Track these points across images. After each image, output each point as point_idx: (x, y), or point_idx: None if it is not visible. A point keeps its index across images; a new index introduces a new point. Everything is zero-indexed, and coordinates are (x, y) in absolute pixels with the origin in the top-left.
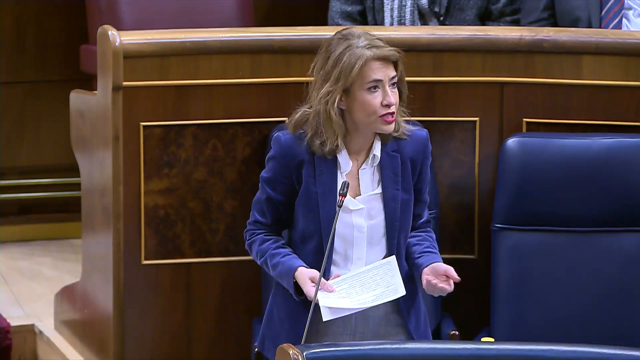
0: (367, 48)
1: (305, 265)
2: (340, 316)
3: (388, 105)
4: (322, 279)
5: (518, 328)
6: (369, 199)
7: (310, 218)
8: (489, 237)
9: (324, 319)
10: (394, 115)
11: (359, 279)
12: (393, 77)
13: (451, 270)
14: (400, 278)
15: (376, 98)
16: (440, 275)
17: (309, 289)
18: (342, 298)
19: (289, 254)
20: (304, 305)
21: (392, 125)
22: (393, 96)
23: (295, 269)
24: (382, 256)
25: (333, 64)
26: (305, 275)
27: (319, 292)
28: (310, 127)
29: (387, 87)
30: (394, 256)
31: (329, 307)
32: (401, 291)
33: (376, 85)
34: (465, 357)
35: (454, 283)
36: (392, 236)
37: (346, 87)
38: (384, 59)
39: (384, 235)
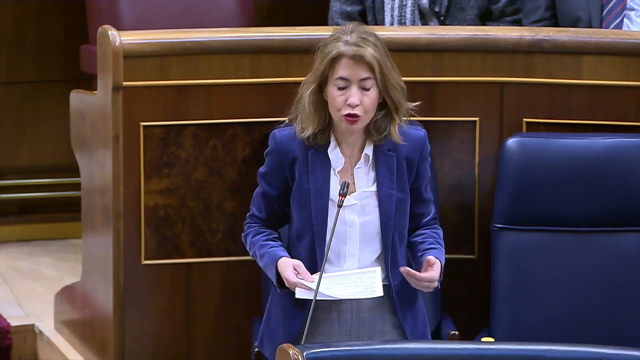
0: (345, 44)
1: (289, 256)
2: (309, 298)
3: (350, 105)
4: (304, 268)
5: (518, 328)
6: (364, 196)
7: (303, 215)
8: (489, 237)
9: (297, 296)
10: (357, 117)
11: (341, 278)
12: (365, 79)
13: (429, 267)
14: (381, 284)
15: (342, 95)
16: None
17: (289, 274)
18: (322, 286)
19: (276, 246)
20: (300, 304)
21: (356, 126)
22: (358, 97)
23: (278, 258)
24: (376, 255)
25: (318, 53)
26: (287, 262)
27: (299, 280)
28: (294, 109)
29: (353, 86)
30: (379, 267)
31: (307, 290)
32: (379, 292)
33: (345, 84)
34: (465, 357)
35: (454, 282)
36: (387, 235)
37: (320, 77)
38: (356, 58)
39: (377, 234)
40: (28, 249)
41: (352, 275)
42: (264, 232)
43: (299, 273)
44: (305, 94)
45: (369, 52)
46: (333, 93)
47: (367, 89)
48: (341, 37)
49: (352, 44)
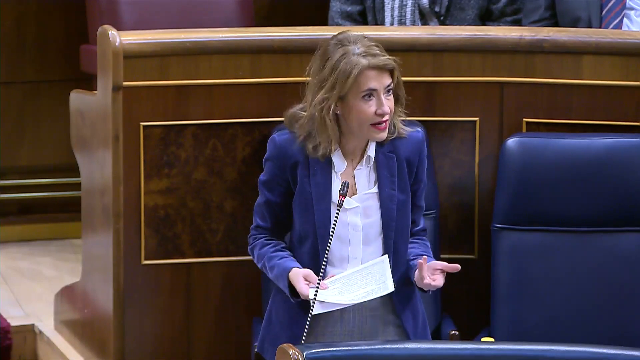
0: (363, 56)
1: (299, 266)
2: (329, 310)
3: (382, 114)
4: (316, 276)
5: (518, 328)
6: (365, 198)
7: (305, 219)
8: (489, 237)
9: (313, 313)
10: (387, 123)
11: (351, 278)
12: (388, 85)
13: (445, 264)
14: (391, 276)
15: (371, 107)
16: (434, 271)
17: (301, 286)
18: (334, 295)
19: (286, 257)
20: (303, 308)
21: (385, 133)
22: (388, 104)
23: (289, 270)
24: (379, 256)
25: (329, 71)
26: (299, 274)
27: (312, 289)
28: (302, 129)
29: (382, 95)
30: (386, 255)
31: (320, 302)
32: (390, 287)
33: (371, 93)
34: (465, 357)
35: (454, 282)
36: (389, 236)
37: (341, 95)
38: (379, 68)
39: (380, 235)
40: (28, 249)
41: (361, 272)
42: (271, 242)
43: (310, 282)
44: (326, 112)
45: (387, 60)
46: (361, 107)
47: (390, 93)
48: (349, 50)
49: (369, 55)
